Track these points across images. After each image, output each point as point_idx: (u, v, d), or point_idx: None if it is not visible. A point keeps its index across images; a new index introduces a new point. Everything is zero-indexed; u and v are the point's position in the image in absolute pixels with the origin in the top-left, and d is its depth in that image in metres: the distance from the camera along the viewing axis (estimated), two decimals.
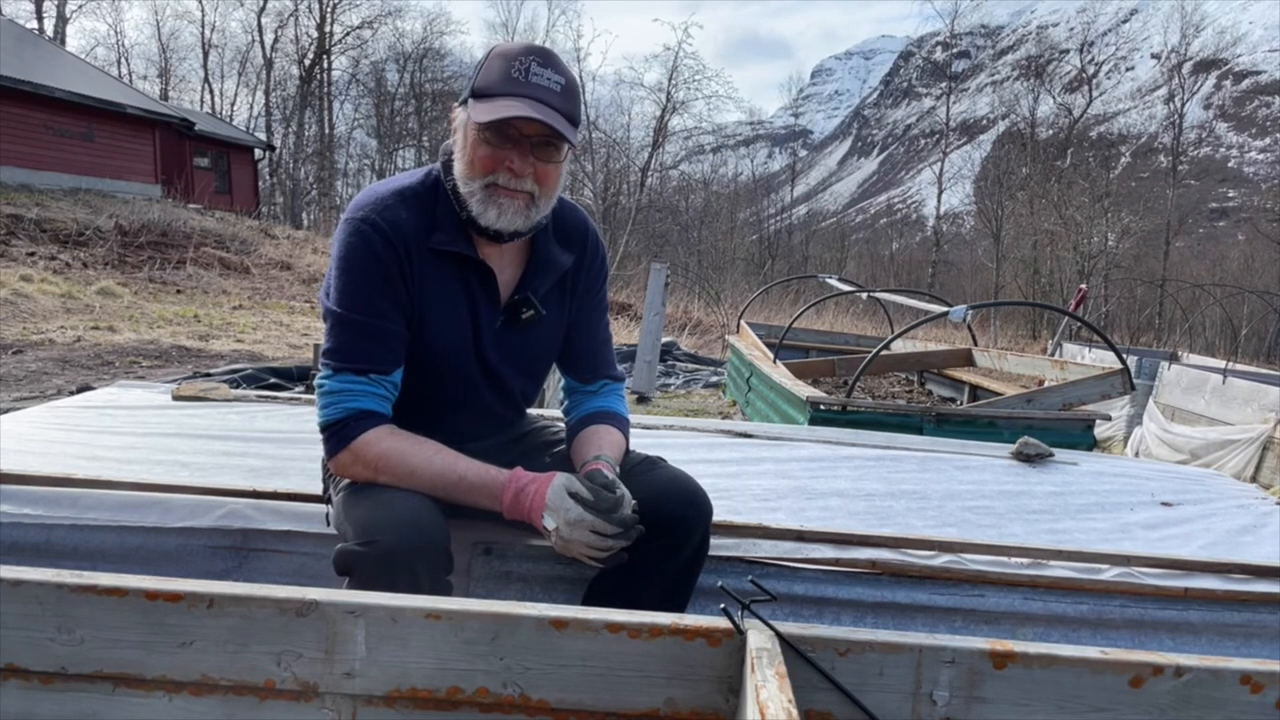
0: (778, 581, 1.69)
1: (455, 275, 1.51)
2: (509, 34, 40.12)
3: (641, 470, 1.55)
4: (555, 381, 5.43)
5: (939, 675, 0.96)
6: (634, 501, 1.40)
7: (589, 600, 1.54)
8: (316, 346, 4.70)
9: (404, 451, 1.41)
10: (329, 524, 1.60)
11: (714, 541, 1.72)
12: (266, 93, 37.06)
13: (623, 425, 1.65)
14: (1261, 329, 21.81)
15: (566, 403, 1.71)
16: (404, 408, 1.50)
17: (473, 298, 1.53)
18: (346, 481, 1.48)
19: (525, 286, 1.56)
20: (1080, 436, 4.07)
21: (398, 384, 1.49)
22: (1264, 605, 1.73)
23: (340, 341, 1.44)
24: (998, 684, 0.96)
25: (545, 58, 1.42)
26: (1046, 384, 5.05)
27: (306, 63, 35.59)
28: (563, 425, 1.74)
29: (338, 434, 1.43)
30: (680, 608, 1.52)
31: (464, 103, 1.46)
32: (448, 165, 1.51)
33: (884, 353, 5.79)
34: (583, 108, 1.54)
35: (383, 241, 1.43)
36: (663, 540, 1.43)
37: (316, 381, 1.46)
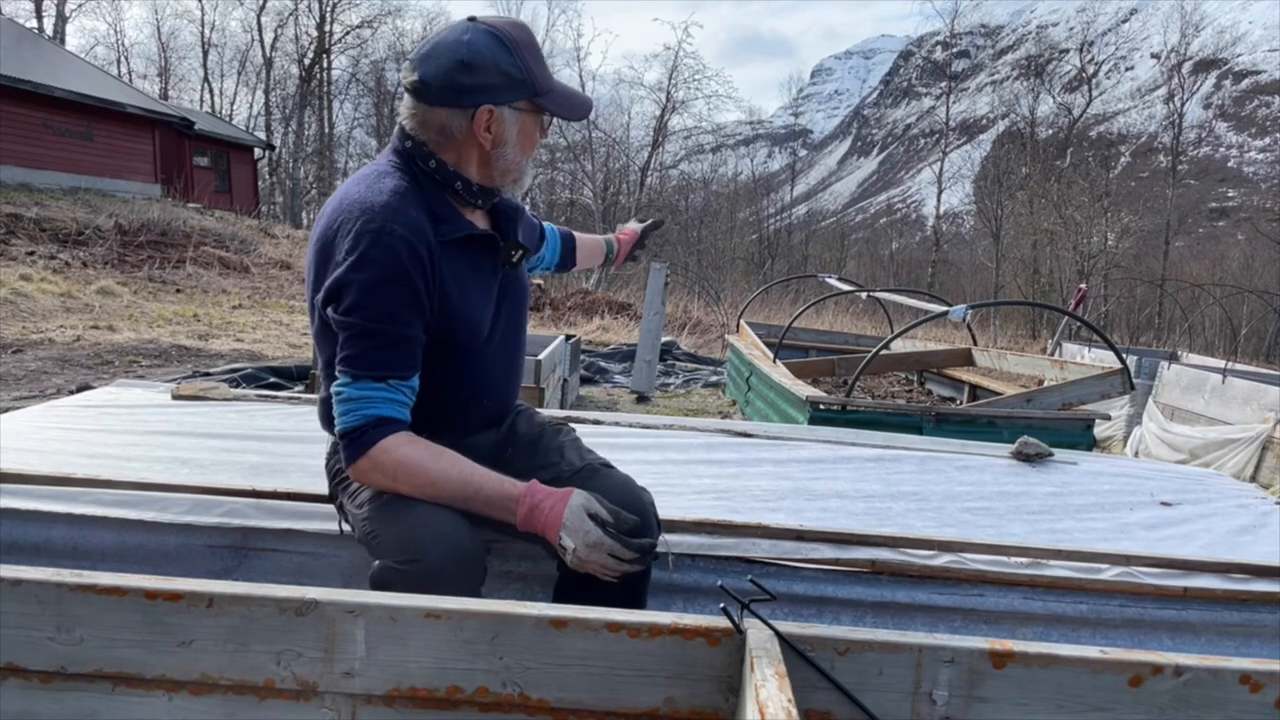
0: (777, 581, 1.69)
1: (463, 256, 1.52)
2: None
3: (583, 477, 1.54)
4: (555, 381, 5.44)
5: (938, 675, 0.96)
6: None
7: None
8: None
9: (421, 461, 1.41)
10: (342, 530, 1.61)
11: (714, 541, 1.73)
12: (266, 92, 37.04)
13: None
14: (1261, 329, 21.77)
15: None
16: (424, 402, 1.50)
17: (482, 270, 1.56)
18: (358, 487, 1.48)
19: (505, 233, 1.63)
20: (1080, 436, 4.07)
21: (415, 388, 1.48)
22: (1264, 605, 1.73)
23: (359, 349, 1.43)
24: (997, 683, 0.97)
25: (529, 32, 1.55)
26: (1046, 384, 5.05)
27: (306, 62, 35.58)
28: (551, 416, 1.76)
29: (356, 441, 1.42)
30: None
31: (507, 103, 1.49)
32: (427, 154, 1.50)
33: (884, 352, 5.79)
34: None
35: (408, 250, 1.41)
36: None
37: (334, 389, 1.45)
